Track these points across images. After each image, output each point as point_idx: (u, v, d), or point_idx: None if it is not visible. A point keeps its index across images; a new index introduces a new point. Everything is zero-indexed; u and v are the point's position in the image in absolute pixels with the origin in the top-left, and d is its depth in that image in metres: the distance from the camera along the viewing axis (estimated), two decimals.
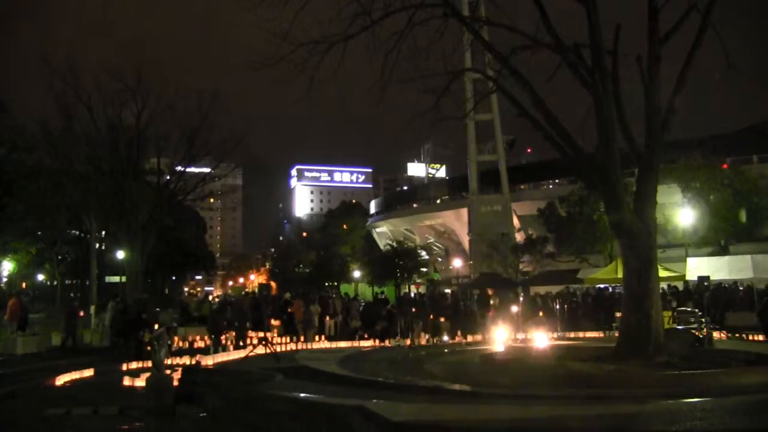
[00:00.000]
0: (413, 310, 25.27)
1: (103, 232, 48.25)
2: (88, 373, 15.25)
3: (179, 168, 41.34)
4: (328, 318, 26.07)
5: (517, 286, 38.10)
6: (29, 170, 38.66)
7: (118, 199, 37.30)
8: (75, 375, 14.72)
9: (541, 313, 25.70)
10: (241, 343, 21.25)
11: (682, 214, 35.10)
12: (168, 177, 41.93)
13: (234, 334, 22.08)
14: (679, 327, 19.29)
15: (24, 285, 53.52)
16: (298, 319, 24.62)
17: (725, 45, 15.15)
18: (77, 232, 53.12)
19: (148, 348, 15.32)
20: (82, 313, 25.05)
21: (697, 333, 18.26)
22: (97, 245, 48.09)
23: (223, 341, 21.33)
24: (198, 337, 22.36)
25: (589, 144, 16.22)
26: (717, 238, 38.04)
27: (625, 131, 15.51)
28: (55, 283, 55.89)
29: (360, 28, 15.62)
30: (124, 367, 16.33)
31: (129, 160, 38.40)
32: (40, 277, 60.29)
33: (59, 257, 53.47)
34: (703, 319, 19.57)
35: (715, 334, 20.16)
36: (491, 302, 28.25)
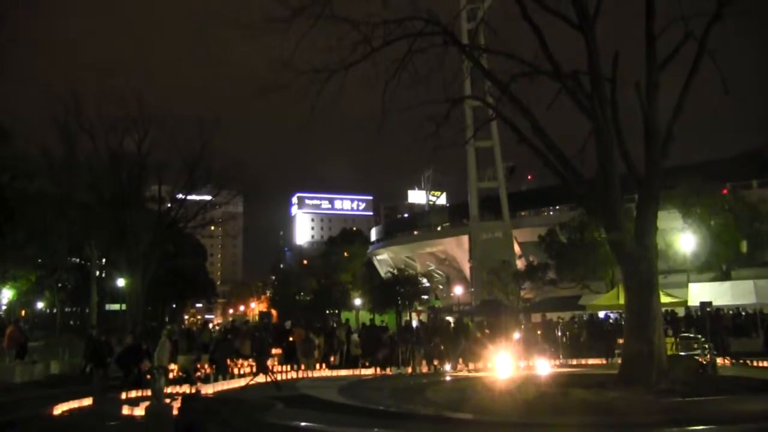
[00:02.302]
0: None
1: (104, 260, 48.22)
2: (87, 402, 15.11)
3: (180, 196, 41.46)
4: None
5: (518, 313, 37.93)
6: (31, 197, 38.72)
7: (119, 226, 37.35)
8: (74, 404, 14.58)
9: (540, 332, 25.57)
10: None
11: (683, 239, 35.03)
12: (169, 205, 42.03)
13: (240, 361, 22.06)
14: (682, 353, 19.15)
15: (24, 313, 53.23)
16: (298, 347, 24.46)
17: (722, 72, 15.27)
18: (78, 260, 53.04)
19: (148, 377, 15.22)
20: None
21: (700, 359, 18.13)
22: (98, 273, 48.01)
23: (236, 370, 21.22)
24: (198, 365, 22.18)
25: (589, 169, 16.28)
26: (719, 264, 37.91)
27: (625, 157, 15.58)
28: (55, 310, 55.63)
29: (360, 57, 15.81)
30: (124, 395, 16.18)
31: (130, 188, 38.53)
32: (40, 304, 60.02)
33: (59, 285, 53.29)
34: (707, 346, 19.43)
35: (719, 361, 20.02)
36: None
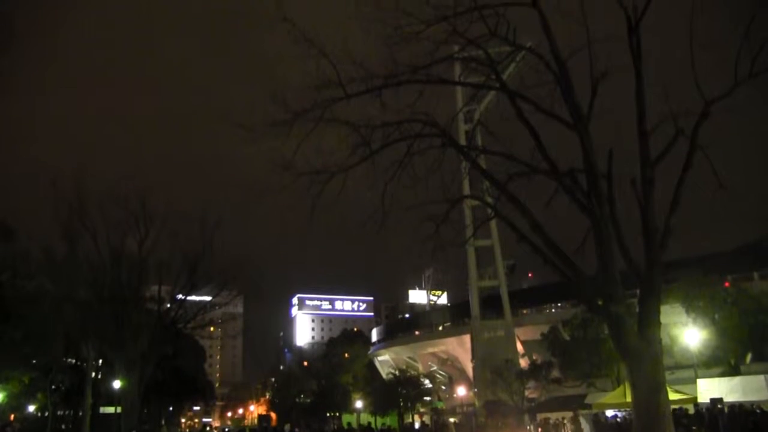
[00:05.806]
0: None
1: (100, 361, 47.32)
2: None
3: (180, 296, 41.30)
4: None
5: (523, 414, 37.00)
6: (29, 296, 38.51)
7: (118, 326, 37.02)
8: None
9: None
10: None
11: (688, 334, 34.60)
12: (168, 305, 41.79)
13: None
14: None
15: (13, 417, 51.64)
16: None
17: (714, 167, 15.50)
18: (74, 360, 52.02)
19: None
20: None
21: None
22: (94, 374, 46.99)
23: None
24: None
25: (589, 265, 16.27)
26: (726, 358, 37.25)
27: (624, 252, 15.60)
28: (47, 414, 54.02)
29: (360, 158, 16.12)
30: None
31: (130, 287, 38.46)
32: (31, 407, 58.28)
33: (53, 386, 51.99)
34: None
35: None
36: None
